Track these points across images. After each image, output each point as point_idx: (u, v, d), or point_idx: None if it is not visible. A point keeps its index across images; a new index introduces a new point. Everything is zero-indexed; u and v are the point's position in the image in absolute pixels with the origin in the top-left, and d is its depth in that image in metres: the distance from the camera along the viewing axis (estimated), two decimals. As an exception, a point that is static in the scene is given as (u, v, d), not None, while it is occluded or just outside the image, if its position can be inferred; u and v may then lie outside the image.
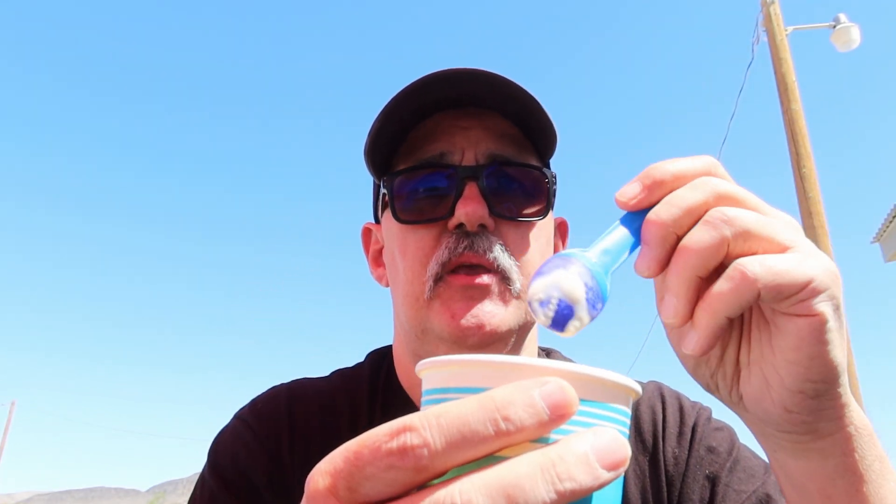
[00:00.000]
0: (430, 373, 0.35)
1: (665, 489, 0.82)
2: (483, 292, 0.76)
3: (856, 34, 8.65)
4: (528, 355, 0.87)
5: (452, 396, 0.32)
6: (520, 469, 0.27)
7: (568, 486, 0.27)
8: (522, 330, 0.80)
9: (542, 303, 0.41)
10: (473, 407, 0.28)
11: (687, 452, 0.84)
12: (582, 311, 0.41)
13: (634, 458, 0.84)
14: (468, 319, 0.75)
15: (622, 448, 0.29)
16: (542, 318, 0.41)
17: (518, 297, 0.78)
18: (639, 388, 0.35)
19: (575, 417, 0.30)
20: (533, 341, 0.89)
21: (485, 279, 0.76)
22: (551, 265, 0.42)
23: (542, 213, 0.82)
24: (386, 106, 0.78)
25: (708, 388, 0.54)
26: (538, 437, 0.29)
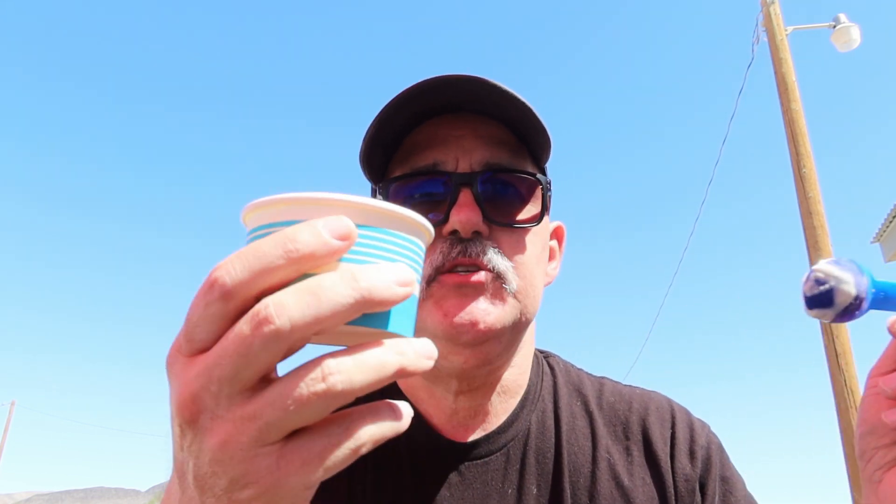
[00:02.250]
0: (252, 215, 0.40)
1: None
2: (477, 290, 0.75)
3: (856, 34, 8.63)
4: (524, 355, 0.88)
5: (270, 231, 0.37)
6: (323, 277, 0.34)
7: (364, 284, 0.33)
8: (516, 329, 0.79)
9: (819, 280, 0.45)
10: (268, 241, 0.34)
11: (700, 475, 0.84)
12: (832, 312, 0.45)
13: (644, 469, 0.85)
14: (461, 317, 0.74)
15: (412, 273, 0.36)
16: (806, 288, 0.46)
17: (514, 297, 0.77)
18: (430, 228, 0.42)
19: (374, 242, 0.37)
20: (529, 343, 0.89)
21: (480, 276, 0.75)
22: (852, 266, 0.46)
23: (537, 220, 0.82)
24: (380, 112, 0.78)
25: (861, 454, 0.58)
26: (329, 262, 0.35)
